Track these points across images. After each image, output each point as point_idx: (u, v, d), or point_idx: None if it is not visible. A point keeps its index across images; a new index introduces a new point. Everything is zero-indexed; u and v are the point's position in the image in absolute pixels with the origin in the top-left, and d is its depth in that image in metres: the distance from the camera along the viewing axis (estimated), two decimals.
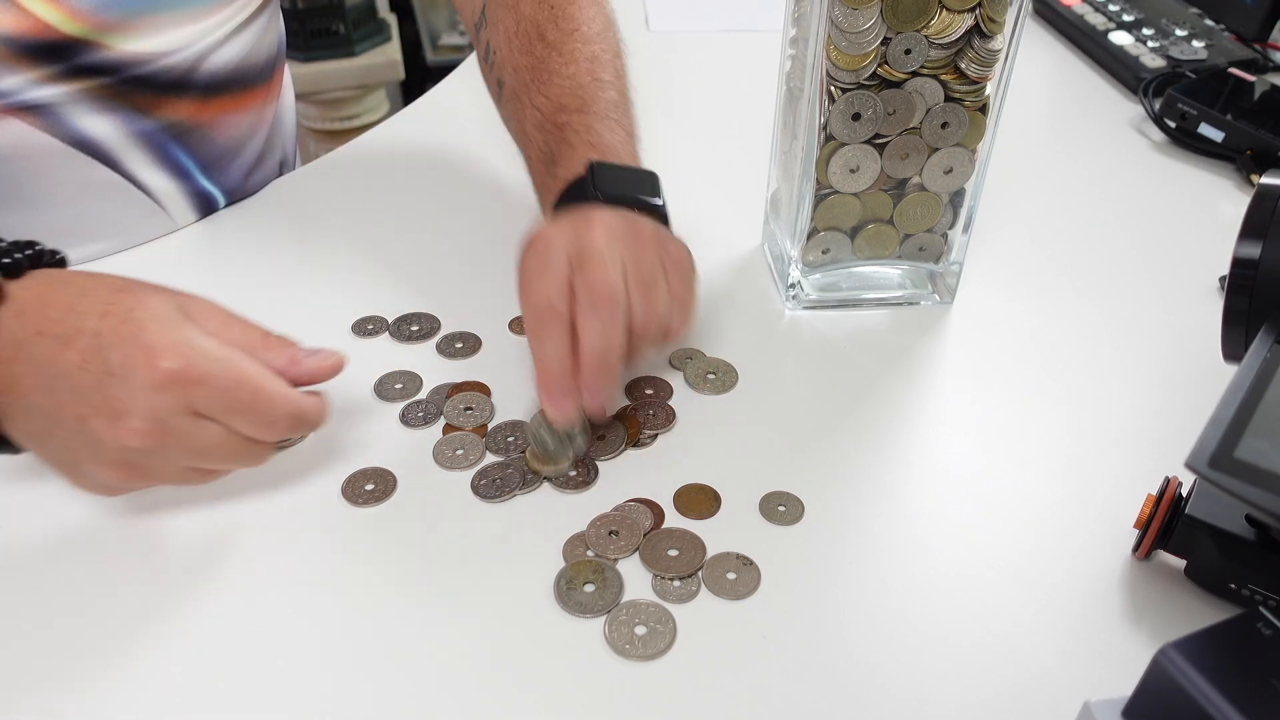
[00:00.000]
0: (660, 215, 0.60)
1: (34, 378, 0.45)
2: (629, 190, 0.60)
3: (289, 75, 0.86)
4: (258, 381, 0.47)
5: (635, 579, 0.50)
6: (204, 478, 0.50)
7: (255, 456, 0.50)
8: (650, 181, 0.62)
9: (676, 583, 0.50)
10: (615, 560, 0.51)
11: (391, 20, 2.04)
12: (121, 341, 0.45)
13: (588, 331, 0.53)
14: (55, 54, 0.62)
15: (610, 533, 0.52)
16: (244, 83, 0.74)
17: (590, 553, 0.51)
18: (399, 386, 0.61)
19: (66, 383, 0.45)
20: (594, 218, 0.55)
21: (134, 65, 0.66)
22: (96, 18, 0.62)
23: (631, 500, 0.54)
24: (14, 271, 0.48)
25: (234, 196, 0.77)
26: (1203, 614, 0.49)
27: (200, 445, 0.47)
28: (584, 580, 0.50)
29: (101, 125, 0.66)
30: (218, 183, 0.76)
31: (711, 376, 0.62)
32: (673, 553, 0.51)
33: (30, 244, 0.49)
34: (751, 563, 0.51)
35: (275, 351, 0.50)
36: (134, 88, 0.67)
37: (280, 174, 0.83)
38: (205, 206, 0.75)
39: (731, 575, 0.50)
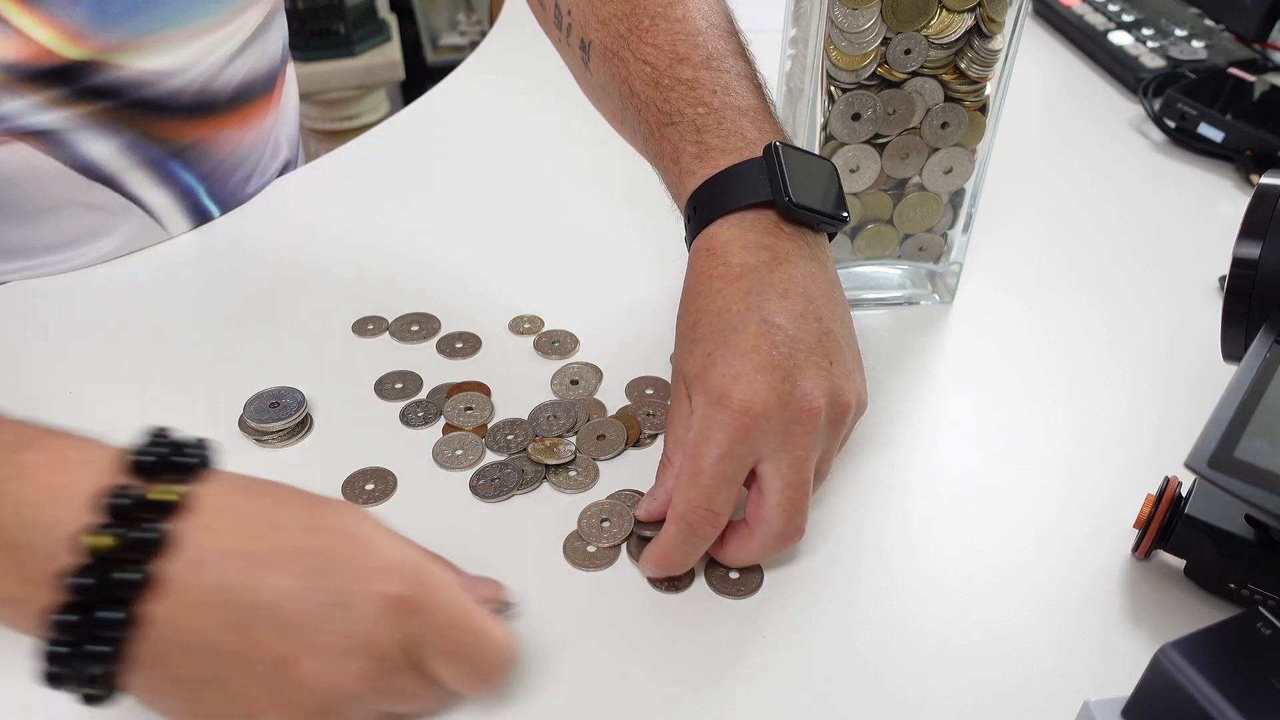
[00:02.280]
0: (839, 225, 0.50)
1: (219, 611, 0.35)
2: (817, 195, 0.48)
3: (293, 74, 0.86)
4: (477, 622, 0.39)
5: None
6: None
7: (439, 704, 0.42)
8: (832, 175, 0.50)
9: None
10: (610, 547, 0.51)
11: (391, 20, 2.04)
12: (346, 564, 0.37)
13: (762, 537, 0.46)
14: (57, 78, 0.61)
15: (602, 521, 0.52)
16: (247, 98, 0.74)
17: (591, 548, 0.51)
18: (399, 386, 0.61)
19: (270, 615, 0.35)
20: (771, 377, 0.44)
21: (138, 88, 0.65)
22: (97, 41, 0.61)
23: (625, 490, 0.54)
24: (190, 470, 0.38)
25: (230, 207, 0.76)
26: (1203, 614, 0.49)
27: (402, 690, 0.38)
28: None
29: (105, 149, 0.66)
30: (217, 195, 0.75)
31: None
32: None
33: (161, 432, 0.40)
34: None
35: (469, 588, 0.41)
36: (139, 111, 0.66)
37: (283, 174, 0.83)
38: (202, 220, 0.75)
39: (734, 575, 0.50)
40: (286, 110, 0.83)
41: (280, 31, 0.79)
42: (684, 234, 0.53)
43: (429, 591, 0.38)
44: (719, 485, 0.44)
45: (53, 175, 0.65)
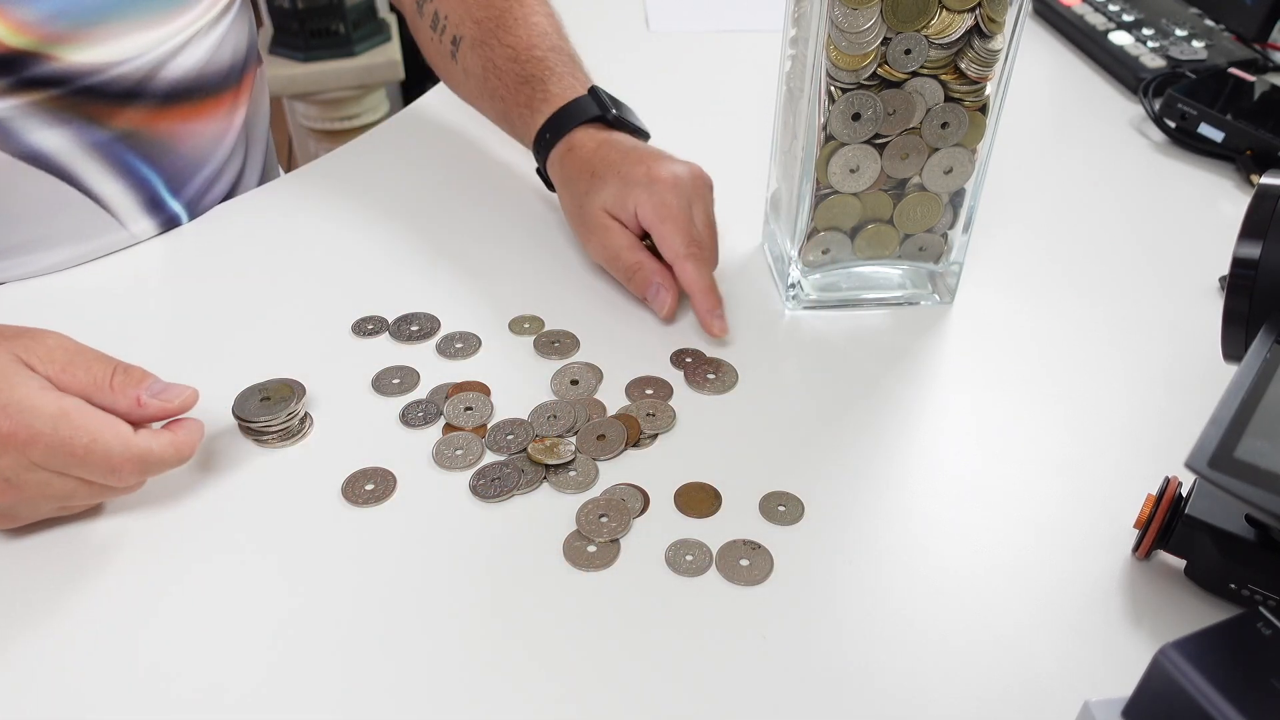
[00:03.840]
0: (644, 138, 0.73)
1: None
2: (628, 116, 0.72)
3: (264, 80, 0.84)
4: (89, 436, 0.47)
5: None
6: (80, 509, 0.52)
7: (117, 492, 0.51)
8: (632, 112, 0.73)
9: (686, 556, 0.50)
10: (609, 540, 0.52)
11: (391, 20, 2.04)
12: None
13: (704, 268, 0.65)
14: (3, 67, 0.61)
15: (600, 517, 0.53)
16: (205, 90, 0.73)
17: (591, 548, 0.51)
18: (396, 382, 0.61)
19: None
20: (670, 164, 0.66)
21: (85, 75, 0.64)
22: (44, 30, 0.61)
23: (621, 484, 0.55)
24: None
25: (196, 210, 0.75)
26: (1203, 614, 0.49)
27: (56, 493, 0.49)
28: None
29: (53, 138, 0.65)
30: (180, 192, 0.74)
31: (711, 376, 0.62)
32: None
33: None
34: (760, 546, 0.52)
35: (120, 393, 0.50)
36: (86, 98, 0.65)
37: (260, 184, 0.82)
38: (166, 223, 0.74)
39: (744, 562, 0.51)
40: (255, 115, 0.81)
41: (244, 29, 0.77)
42: (535, 165, 0.73)
43: (26, 424, 0.46)
44: (691, 224, 0.65)
45: (1, 166, 0.64)
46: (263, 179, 0.84)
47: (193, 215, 0.75)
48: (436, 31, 0.79)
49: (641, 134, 0.72)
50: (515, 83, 0.72)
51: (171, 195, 0.73)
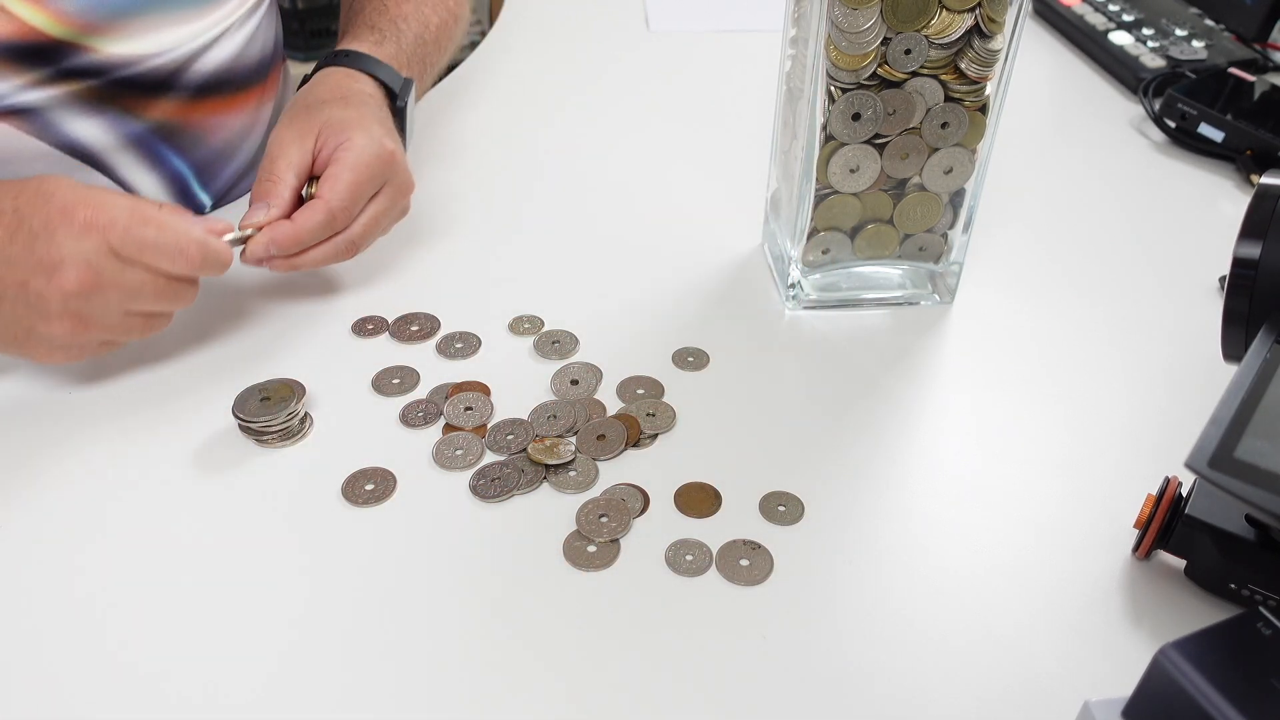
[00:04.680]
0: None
1: None
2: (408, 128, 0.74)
3: (290, 76, 0.86)
4: (157, 224, 0.54)
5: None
6: (146, 324, 0.57)
7: (182, 294, 0.57)
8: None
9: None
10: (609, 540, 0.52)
11: None
12: (38, 209, 0.52)
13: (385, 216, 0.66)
14: (41, 57, 0.62)
15: (600, 516, 0.53)
16: (235, 84, 0.74)
17: (591, 548, 0.51)
18: (396, 381, 0.61)
19: (1, 257, 0.52)
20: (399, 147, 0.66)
21: (121, 67, 0.65)
22: (82, 20, 0.62)
23: (621, 484, 0.55)
24: None
25: (222, 203, 0.76)
26: (1203, 614, 0.49)
27: (130, 286, 0.54)
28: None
29: (90, 128, 0.66)
30: (209, 186, 0.75)
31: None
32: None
33: None
34: (760, 546, 0.52)
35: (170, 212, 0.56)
36: (121, 89, 0.66)
37: None
38: (193, 210, 0.75)
39: (744, 562, 0.51)
40: (281, 108, 0.83)
41: (272, 25, 0.79)
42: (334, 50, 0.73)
43: (105, 210, 0.52)
44: (365, 195, 0.64)
45: (38, 157, 0.65)
46: None
47: (217, 208, 0.77)
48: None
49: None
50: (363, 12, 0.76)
51: (201, 188, 0.75)
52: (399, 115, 0.71)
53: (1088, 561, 0.52)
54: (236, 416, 0.56)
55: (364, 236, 0.64)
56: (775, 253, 0.71)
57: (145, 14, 0.65)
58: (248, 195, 0.77)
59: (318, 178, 0.63)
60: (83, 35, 0.63)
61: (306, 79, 0.71)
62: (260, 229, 0.60)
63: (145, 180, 0.71)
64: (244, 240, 0.59)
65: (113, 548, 0.51)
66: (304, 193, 0.63)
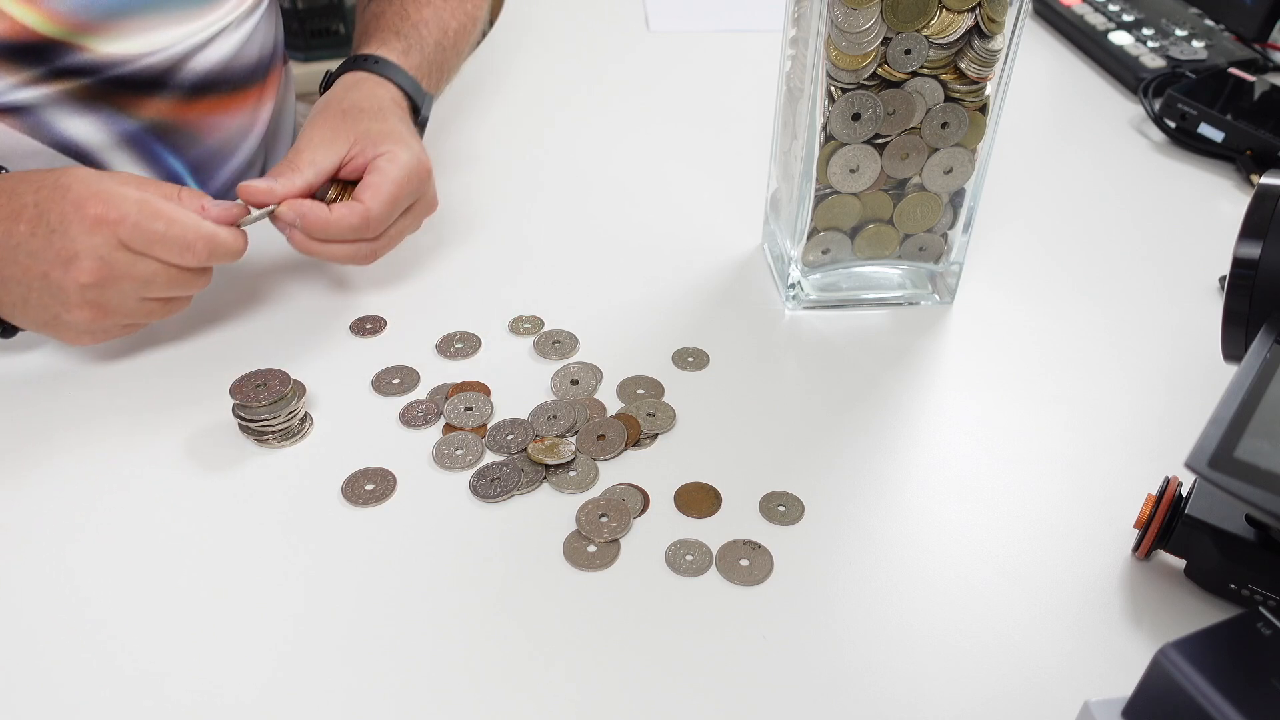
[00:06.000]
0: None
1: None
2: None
3: (290, 78, 0.86)
4: (166, 218, 0.55)
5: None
6: (165, 308, 0.59)
7: (195, 281, 0.58)
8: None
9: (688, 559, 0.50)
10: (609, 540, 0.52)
11: None
12: (55, 203, 0.54)
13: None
14: (34, 56, 0.62)
15: (600, 517, 0.53)
16: (232, 83, 0.74)
17: (591, 548, 0.51)
18: (396, 381, 0.61)
19: (24, 250, 0.54)
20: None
21: (114, 66, 0.65)
22: (74, 19, 0.62)
23: (621, 484, 0.55)
24: None
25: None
26: (1203, 614, 0.49)
27: (142, 276, 0.56)
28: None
29: (84, 127, 0.66)
30: (206, 186, 0.75)
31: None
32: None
33: None
34: (760, 546, 0.52)
35: (187, 201, 0.58)
36: (114, 88, 0.66)
37: None
38: None
39: (744, 562, 0.51)
40: (283, 110, 0.83)
41: (272, 26, 0.79)
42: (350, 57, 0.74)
43: (115, 205, 0.54)
44: (400, 206, 0.64)
45: (31, 155, 0.65)
46: None
47: None
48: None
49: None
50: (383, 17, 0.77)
51: (198, 187, 0.75)
52: (419, 128, 0.72)
53: (1088, 561, 0.52)
54: (237, 416, 0.56)
55: (385, 249, 0.65)
56: (775, 253, 0.71)
57: (138, 14, 0.65)
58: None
59: (339, 182, 0.64)
60: (75, 34, 0.63)
61: (329, 76, 0.72)
62: (274, 208, 0.60)
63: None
64: (259, 220, 0.60)
65: (112, 548, 0.51)
66: (323, 196, 0.64)
